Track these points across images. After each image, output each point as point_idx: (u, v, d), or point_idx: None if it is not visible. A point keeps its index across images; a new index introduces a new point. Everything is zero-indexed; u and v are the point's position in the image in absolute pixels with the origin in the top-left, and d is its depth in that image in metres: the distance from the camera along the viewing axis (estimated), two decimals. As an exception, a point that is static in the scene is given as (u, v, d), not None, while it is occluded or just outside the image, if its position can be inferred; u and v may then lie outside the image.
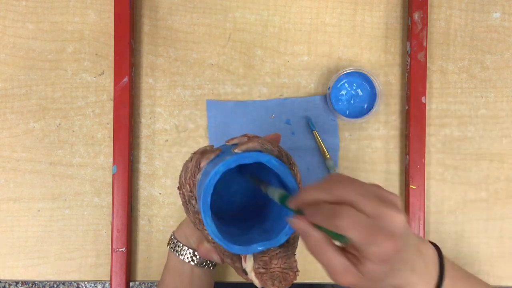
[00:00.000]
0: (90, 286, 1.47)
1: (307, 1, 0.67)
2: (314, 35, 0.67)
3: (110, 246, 0.65)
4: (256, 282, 0.43)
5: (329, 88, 0.64)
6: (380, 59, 0.67)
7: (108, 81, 0.67)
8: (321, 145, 0.65)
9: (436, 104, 0.66)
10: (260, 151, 0.43)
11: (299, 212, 0.38)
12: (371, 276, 0.35)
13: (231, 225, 0.47)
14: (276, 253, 0.43)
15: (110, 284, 0.63)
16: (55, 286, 1.47)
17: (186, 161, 0.48)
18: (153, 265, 0.66)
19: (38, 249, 0.66)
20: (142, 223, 0.66)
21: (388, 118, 0.66)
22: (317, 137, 0.65)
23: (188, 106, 0.66)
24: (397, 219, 0.35)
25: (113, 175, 0.63)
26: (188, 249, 0.54)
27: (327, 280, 0.65)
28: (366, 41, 0.67)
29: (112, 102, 0.66)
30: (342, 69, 0.63)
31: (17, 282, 1.46)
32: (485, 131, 0.66)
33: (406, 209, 0.64)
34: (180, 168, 0.66)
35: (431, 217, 0.66)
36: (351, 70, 0.63)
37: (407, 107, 0.65)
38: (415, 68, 0.63)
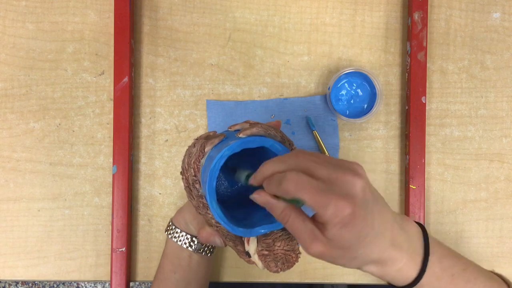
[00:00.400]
0: (90, 286, 1.47)
1: (307, 1, 0.67)
2: (314, 35, 0.67)
3: (110, 246, 0.65)
4: (259, 264, 0.43)
5: (329, 88, 0.64)
6: (380, 59, 0.67)
7: (108, 81, 0.67)
8: (321, 145, 0.65)
9: (436, 104, 0.66)
10: (263, 136, 0.43)
11: (261, 187, 0.39)
12: (338, 242, 0.35)
13: (233, 210, 0.47)
14: (279, 236, 0.43)
15: (110, 284, 0.63)
16: (55, 286, 1.47)
17: (189, 146, 0.48)
18: (153, 265, 0.66)
19: (38, 249, 0.66)
20: (142, 223, 0.66)
21: (388, 118, 0.66)
22: (317, 137, 0.65)
23: (188, 106, 0.66)
24: (354, 181, 0.35)
25: (113, 175, 0.63)
26: (186, 235, 0.54)
27: (327, 280, 0.65)
28: (366, 41, 0.67)
29: (112, 102, 0.66)
30: (342, 69, 0.63)
31: (17, 282, 1.46)
32: (485, 131, 0.66)
33: (406, 209, 0.64)
34: (180, 168, 0.66)
35: (431, 217, 0.66)
36: (351, 70, 0.63)
37: (407, 107, 0.65)
38: (415, 68, 0.63)
